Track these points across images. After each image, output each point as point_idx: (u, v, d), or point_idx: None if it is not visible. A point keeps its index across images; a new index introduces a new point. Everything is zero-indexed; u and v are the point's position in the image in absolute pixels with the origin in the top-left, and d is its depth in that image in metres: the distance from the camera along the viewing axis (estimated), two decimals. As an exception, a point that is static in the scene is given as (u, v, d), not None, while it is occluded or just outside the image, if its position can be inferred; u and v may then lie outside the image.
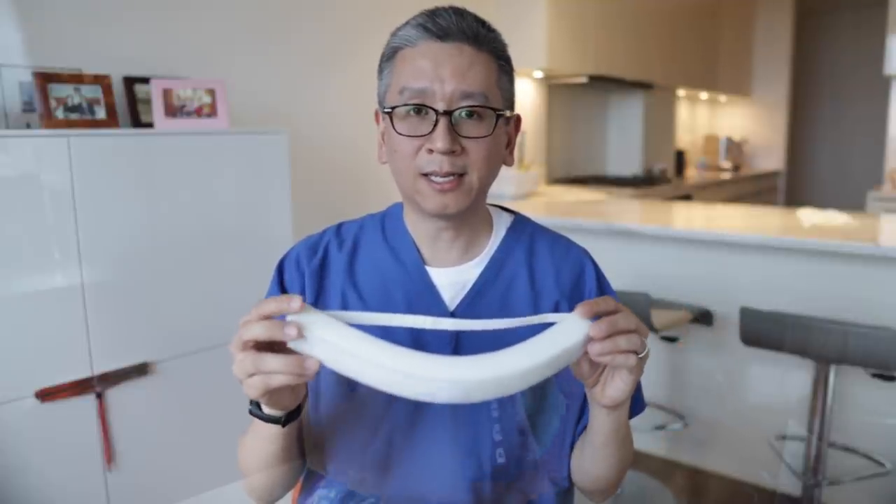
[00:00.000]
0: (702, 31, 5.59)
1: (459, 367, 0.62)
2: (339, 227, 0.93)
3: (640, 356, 0.69)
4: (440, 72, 0.77)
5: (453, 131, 0.78)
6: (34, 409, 1.58)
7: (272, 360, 0.62)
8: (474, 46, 0.79)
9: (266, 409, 0.72)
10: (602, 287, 0.91)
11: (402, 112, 0.79)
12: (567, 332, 0.66)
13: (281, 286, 0.89)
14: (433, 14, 0.80)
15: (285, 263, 0.90)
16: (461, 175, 0.79)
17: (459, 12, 0.81)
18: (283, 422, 0.73)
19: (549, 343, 0.65)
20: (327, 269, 0.88)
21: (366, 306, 0.85)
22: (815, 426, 2.05)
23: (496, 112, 0.80)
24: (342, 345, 0.61)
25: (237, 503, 0.89)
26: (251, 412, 0.74)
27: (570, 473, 0.90)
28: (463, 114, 0.78)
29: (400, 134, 0.79)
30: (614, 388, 0.71)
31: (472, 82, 0.78)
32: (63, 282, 1.62)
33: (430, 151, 0.78)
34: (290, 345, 0.62)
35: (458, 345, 0.85)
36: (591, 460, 0.84)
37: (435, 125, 0.77)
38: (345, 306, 0.86)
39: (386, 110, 0.81)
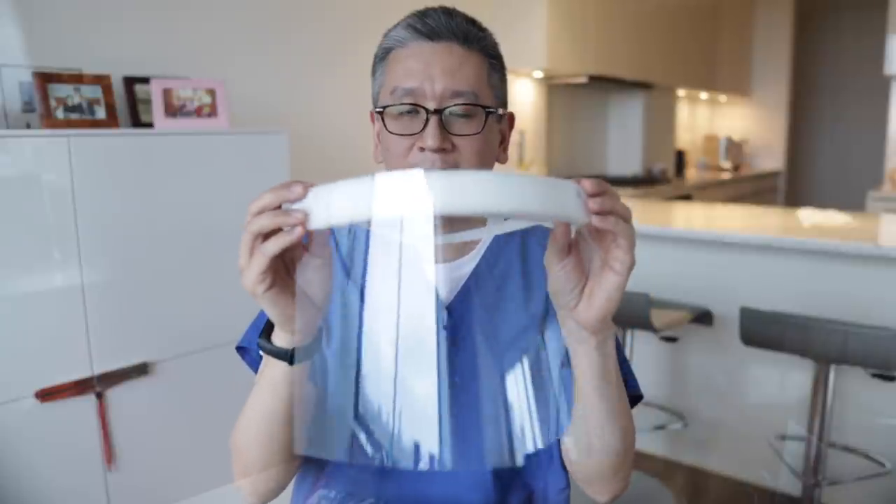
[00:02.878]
0: (702, 31, 5.59)
1: (447, 174, 0.56)
2: None
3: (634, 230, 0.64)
4: (430, 71, 0.78)
5: (444, 129, 0.79)
6: (34, 409, 1.58)
7: (261, 218, 0.63)
8: (464, 46, 0.80)
9: (276, 339, 0.70)
10: None
11: (394, 112, 0.80)
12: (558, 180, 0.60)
13: None
14: (423, 15, 0.81)
15: None
16: None
17: (449, 12, 0.82)
18: (290, 357, 0.70)
19: (541, 178, 0.59)
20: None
21: (364, 303, 0.86)
22: (815, 426, 2.05)
23: (486, 109, 0.81)
24: (332, 193, 0.58)
25: (237, 503, 0.88)
26: (259, 345, 0.72)
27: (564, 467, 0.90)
28: (453, 112, 0.79)
29: (392, 133, 0.80)
30: (606, 283, 0.64)
31: (462, 81, 0.79)
32: (63, 282, 1.62)
33: (422, 149, 0.79)
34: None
35: (454, 338, 0.85)
36: (587, 431, 0.77)
37: (426, 123, 0.78)
38: (345, 302, 0.86)
39: (378, 110, 0.82)
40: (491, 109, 0.82)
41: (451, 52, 0.80)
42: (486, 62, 0.82)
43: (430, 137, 0.77)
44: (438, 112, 0.78)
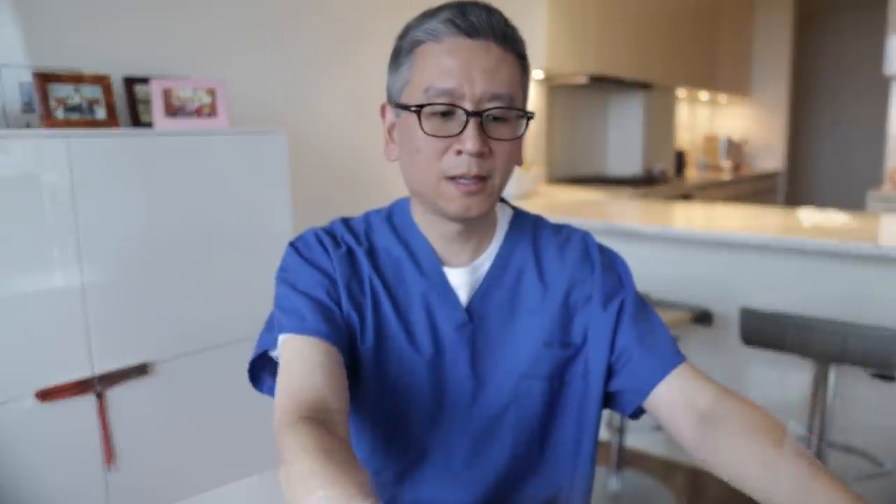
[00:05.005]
0: (702, 31, 5.59)
1: None
2: (347, 222, 0.91)
3: None
4: (469, 71, 0.75)
5: (483, 133, 0.76)
6: (34, 409, 1.58)
7: None
8: (501, 46, 0.77)
9: None
10: (606, 256, 0.91)
11: (428, 111, 0.76)
12: None
13: (307, 261, 0.84)
14: (463, 10, 0.77)
15: (305, 243, 0.86)
16: (485, 178, 0.78)
17: (489, 9, 0.78)
18: None
19: None
20: (354, 257, 0.86)
21: (392, 300, 0.85)
22: (815, 426, 2.05)
23: (526, 115, 0.79)
24: None
25: (237, 503, 0.87)
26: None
27: (594, 467, 0.89)
28: (491, 115, 0.76)
29: (427, 134, 0.76)
30: None
31: (500, 83, 0.76)
32: (63, 282, 1.62)
33: (458, 153, 0.76)
34: None
35: (474, 342, 0.85)
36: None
37: (465, 126, 0.75)
38: (374, 298, 0.84)
39: (413, 109, 0.77)
40: (529, 115, 0.79)
41: (489, 52, 0.76)
42: (518, 63, 0.80)
43: (470, 140, 0.74)
44: (478, 114, 0.75)
